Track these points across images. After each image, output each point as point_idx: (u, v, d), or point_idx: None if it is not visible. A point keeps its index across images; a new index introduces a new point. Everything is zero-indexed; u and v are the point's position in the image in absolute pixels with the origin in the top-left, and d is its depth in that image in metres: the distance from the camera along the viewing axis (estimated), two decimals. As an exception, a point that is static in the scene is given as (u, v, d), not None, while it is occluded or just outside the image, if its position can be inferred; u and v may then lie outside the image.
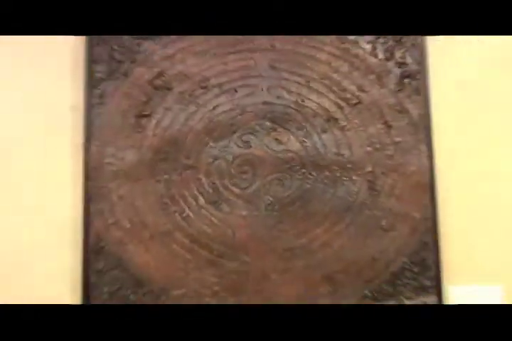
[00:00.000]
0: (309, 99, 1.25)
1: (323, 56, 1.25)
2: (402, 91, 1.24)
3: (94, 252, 1.20)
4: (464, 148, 1.25)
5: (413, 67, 1.25)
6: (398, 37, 1.25)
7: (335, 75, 1.25)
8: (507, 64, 1.28)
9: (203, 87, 1.25)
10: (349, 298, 1.19)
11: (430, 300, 1.18)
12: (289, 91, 1.25)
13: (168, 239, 1.21)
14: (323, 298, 1.19)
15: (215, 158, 1.24)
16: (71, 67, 1.26)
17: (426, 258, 1.20)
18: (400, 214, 1.21)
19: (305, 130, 1.24)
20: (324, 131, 1.24)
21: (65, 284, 1.20)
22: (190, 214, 1.22)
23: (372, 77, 1.25)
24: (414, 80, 1.24)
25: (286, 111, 1.25)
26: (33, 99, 1.26)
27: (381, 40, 1.25)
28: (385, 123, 1.24)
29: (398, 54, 1.25)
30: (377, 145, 1.23)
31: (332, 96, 1.25)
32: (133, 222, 1.21)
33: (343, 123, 1.24)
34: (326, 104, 1.25)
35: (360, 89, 1.25)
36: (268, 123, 1.25)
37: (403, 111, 1.24)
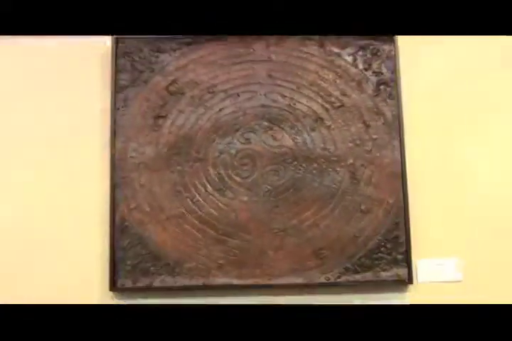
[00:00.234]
0: (300, 102, 1.40)
1: (311, 66, 1.41)
2: (378, 96, 1.40)
3: (120, 231, 1.34)
4: (430, 144, 1.41)
5: (387, 75, 1.40)
6: (375, 50, 1.41)
7: (322, 82, 1.40)
8: (467, 73, 1.44)
9: (210, 92, 1.39)
10: (334, 270, 1.34)
11: (402, 271, 1.34)
12: (283, 96, 1.40)
13: (181, 221, 1.35)
14: (312, 270, 1.34)
15: (221, 152, 1.38)
16: (100, 75, 1.41)
17: (398, 236, 1.35)
18: (376, 199, 1.36)
19: (296, 128, 1.39)
20: (313, 130, 1.39)
21: (96, 258, 1.34)
22: (200, 199, 1.36)
23: (353, 84, 1.41)
24: (389, 87, 1.40)
25: (280, 112, 1.39)
26: (68, 103, 1.41)
27: (360, 53, 1.41)
28: (364, 123, 1.39)
29: (375, 65, 1.41)
30: (358, 142, 1.38)
31: (319, 100, 1.40)
32: (152, 206, 1.35)
33: (329, 123, 1.39)
34: (314, 106, 1.40)
35: (343, 94, 1.40)
36: (265, 123, 1.39)
37: (379, 112, 1.40)
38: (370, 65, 1.41)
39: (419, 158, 1.40)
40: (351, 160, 1.38)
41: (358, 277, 1.35)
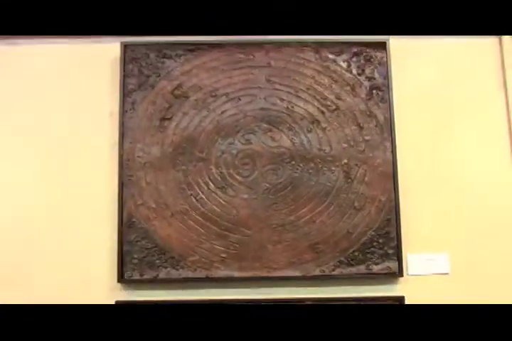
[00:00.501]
0: (297, 105, 1.46)
1: (308, 72, 1.47)
2: (371, 100, 1.46)
3: (127, 226, 1.40)
4: (420, 145, 1.48)
5: (380, 80, 1.47)
6: (368, 57, 1.47)
7: (318, 87, 1.47)
8: (454, 78, 1.52)
9: (213, 96, 1.46)
10: (329, 263, 1.41)
11: (393, 265, 1.41)
12: (282, 100, 1.46)
13: (185, 217, 1.41)
14: (308, 263, 1.40)
15: (223, 153, 1.43)
16: (109, 80, 1.47)
17: (389, 232, 1.41)
18: (369, 197, 1.43)
19: (294, 130, 1.45)
20: (309, 131, 1.45)
21: (105, 251, 1.41)
22: (203, 196, 1.42)
23: (347, 88, 1.47)
24: (381, 91, 1.46)
25: (279, 115, 1.45)
26: (79, 106, 1.47)
27: (354, 59, 1.48)
28: (358, 125, 1.45)
29: (368, 70, 1.48)
30: (352, 143, 1.45)
31: (316, 103, 1.46)
32: (157, 203, 1.41)
33: (324, 125, 1.45)
34: (311, 109, 1.46)
35: (338, 97, 1.47)
36: (265, 125, 1.45)
37: (372, 115, 1.46)
38: (363, 70, 1.48)
39: (410, 158, 1.46)
40: (345, 160, 1.44)
41: (351, 270, 1.41)
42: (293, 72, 1.47)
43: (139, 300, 1.40)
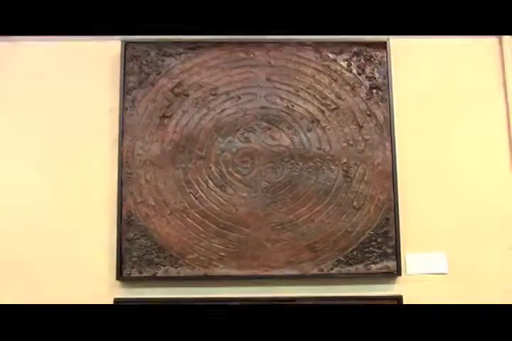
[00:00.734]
0: (297, 104, 1.46)
1: (308, 71, 1.48)
2: (370, 99, 1.47)
3: (126, 224, 1.40)
4: (420, 144, 1.48)
5: (380, 80, 1.47)
6: (368, 56, 1.48)
7: (318, 86, 1.47)
8: (454, 78, 1.52)
9: (213, 94, 1.46)
10: (327, 262, 1.41)
11: (391, 264, 1.41)
12: (282, 98, 1.46)
13: (184, 215, 1.41)
14: (307, 262, 1.41)
15: (222, 151, 1.44)
16: (110, 77, 1.48)
17: (388, 231, 1.42)
18: (368, 196, 1.43)
19: (294, 129, 1.45)
20: (309, 130, 1.45)
21: (104, 249, 1.41)
22: (202, 195, 1.42)
23: (347, 87, 1.47)
24: (381, 91, 1.47)
25: (279, 114, 1.45)
26: (79, 103, 1.47)
27: (355, 58, 1.48)
28: (357, 124, 1.46)
29: (368, 70, 1.48)
30: (351, 142, 1.45)
31: (316, 102, 1.47)
32: (157, 201, 1.41)
33: (324, 124, 1.46)
34: (311, 108, 1.46)
35: (338, 97, 1.47)
36: (264, 124, 1.45)
37: (371, 115, 1.46)
38: (363, 70, 1.48)
39: (409, 158, 1.46)
40: (345, 159, 1.45)
41: (349, 269, 1.41)
42: (293, 71, 1.48)
43: (137, 297, 1.40)
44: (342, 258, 1.42)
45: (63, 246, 1.42)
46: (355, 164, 1.45)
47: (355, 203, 1.43)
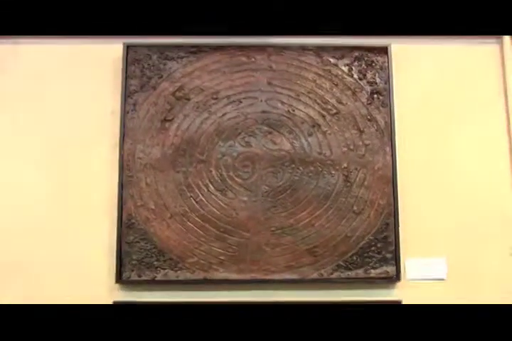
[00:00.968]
0: (298, 109, 1.46)
1: (309, 75, 1.48)
2: (371, 104, 1.47)
3: (127, 227, 1.40)
4: (420, 150, 1.48)
5: (381, 85, 1.48)
6: (370, 61, 1.48)
7: (319, 90, 1.47)
8: (455, 83, 1.52)
9: (214, 98, 1.46)
10: (327, 267, 1.41)
11: (390, 269, 1.41)
12: (283, 103, 1.46)
13: (185, 218, 1.41)
14: (306, 266, 1.41)
15: (223, 155, 1.44)
16: (112, 81, 1.48)
17: (388, 236, 1.42)
18: (368, 201, 1.43)
19: (294, 133, 1.45)
20: (310, 135, 1.46)
21: (103, 252, 1.41)
22: (202, 198, 1.42)
23: (348, 92, 1.48)
24: (382, 96, 1.47)
25: (279, 118, 1.46)
26: (81, 106, 1.48)
27: (356, 63, 1.48)
28: (358, 129, 1.46)
29: (369, 75, 1.48)
30: (352, 147, 1.45)
31: (316, 107, 1.47)
32: (157, 204, 1.41)
33: (325, 128, 1.46)
34: (312, 113, 1.47)
35: (339, 102, 1.47)
36: (265, 128, 1.45)
37: (372, 119, 1.46)
38: (364, 74, 1.49)
39: (410, 163, 1.47)
40: (345, 164, 1.45)
41: (349, 274, 1.41)
42: (294, 76, 1.48)
43: (136, 301, 1.40)
44: (342, 263, 1.42)
45: (63, 248, 1.42)
46: (356, 169, 1.45)
47: (355, 208, 1.43)
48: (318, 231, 1.42)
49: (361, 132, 1.46)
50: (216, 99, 1.47)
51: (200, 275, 1.41)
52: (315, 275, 1.41)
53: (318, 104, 1.47)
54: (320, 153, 1.45)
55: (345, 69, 1.49)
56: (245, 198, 1.43)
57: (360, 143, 1.46)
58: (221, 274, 1.40)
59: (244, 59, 1.48)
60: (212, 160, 1.44)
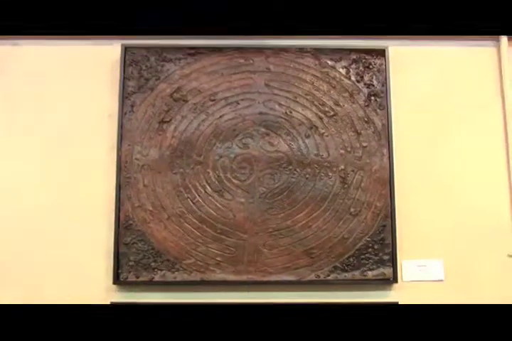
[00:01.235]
0: (296, 111, 1.47)
1: (307, 77, 1.48)
2: (369, 106, 1.48)
3: (124, 228, 1.40)
4: (417, 152, 1.49)
5: (378, 87, 1.48)
6: (367, 64, 1.49)
7: (316, 93, 1.48)
8: (452, 86, 1.53)
9: (212, 100, 1.46)
10: (324, 268, 1.41)
11: (387, 271, 1.41)
12: (280, 105, 1.47)
13: (182, 220, 1.42)
14: (303, 268, 1.41)
15: (221, 156, 1.44)
16: (109, 82, 1.48)
17: (385, 238, 1.42)
18: (365, 202, 1.43)
19: (292, 135, 1.46)
20: (307, 137, 1.46)
21: (101, 253, 1.41)
22: (200, 200, 1.43)
23: (345, 94, 1.48)
24: (379, 98, 1.48)
25: (277, 120, 1.46)
26: (78, 107, 1.48)
27: (353, 66, 1.49)
28: (355, 131, 1.46)
29: (367, 77, 1.49)
30: (349, 149, 1.46)
31: (314, 109, 1.47)
32: (154, 206, 1.42)
33: (322, 130, 1.46)
34: (309, 115, 1.47)
35: (336, 104, 1.48)
36: (263, 130, 1.46)
37: (369, 122, 1.47)
38: (362, 77, 1.49)
39: (407, 165, 1.47)
40: (342, 166, 1.45)
41: (346, 275, 1.42)
42: (292, 78, 1.48)
43: (133, 302, 1.40)
44: (338, 265, 1.42)
45: (60, 249, 1.42)
46: (353, 171, 1.45)
47: (352, 210, 1.44)
48: (315, 233, 1.42)
49: (358, 134, 1.47)
50: (214, 100, 1.47)
51: (197, 276, 1.41)
52: (312, 277, 1.41)
53: (315, 106, 1.48)
54: (317, 155, 1.46)
55: (343, 71, 1.49)
56: (242, 200, 1.43)
57: (358, 145, 1.46)
58: (218, 275, 1.41)
59: (242, 61, 1.48)
60: (210, 161, 1.45)
